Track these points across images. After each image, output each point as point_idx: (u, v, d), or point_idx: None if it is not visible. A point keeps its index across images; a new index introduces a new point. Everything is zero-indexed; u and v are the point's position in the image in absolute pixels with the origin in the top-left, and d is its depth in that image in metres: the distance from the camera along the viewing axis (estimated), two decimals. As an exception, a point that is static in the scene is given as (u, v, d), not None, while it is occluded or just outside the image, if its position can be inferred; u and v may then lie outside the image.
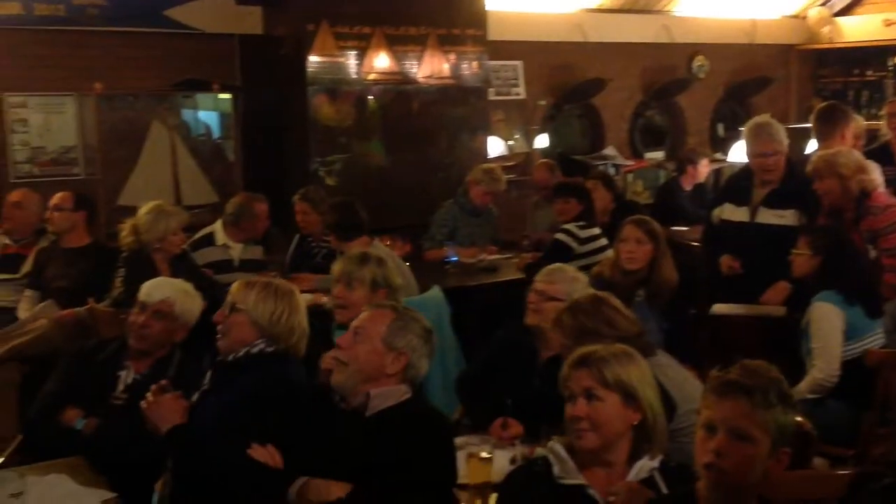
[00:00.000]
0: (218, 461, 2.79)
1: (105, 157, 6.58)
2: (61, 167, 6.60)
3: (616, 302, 3.28)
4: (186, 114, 7.33)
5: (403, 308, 2.89)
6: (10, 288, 5.48)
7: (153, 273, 4.61)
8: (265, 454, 2.71)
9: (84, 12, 6.45)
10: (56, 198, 5.47)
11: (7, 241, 5.65)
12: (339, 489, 2.56)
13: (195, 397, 3.08)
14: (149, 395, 2.99)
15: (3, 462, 3.29)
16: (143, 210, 5.20)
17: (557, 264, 3.93)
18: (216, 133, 7.50)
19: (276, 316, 3.08)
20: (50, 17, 6.36)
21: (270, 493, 2.64)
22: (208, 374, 3.13)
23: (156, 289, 3.64)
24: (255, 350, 3.07)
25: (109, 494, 2.72)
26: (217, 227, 5.76)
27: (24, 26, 6.30)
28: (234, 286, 3.16)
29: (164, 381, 3.05)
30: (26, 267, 5.52)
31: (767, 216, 4.89)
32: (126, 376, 3.55)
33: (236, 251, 5.73)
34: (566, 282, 3.70)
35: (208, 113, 7.47)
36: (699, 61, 9.62)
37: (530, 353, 3.64)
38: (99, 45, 6.58)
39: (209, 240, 5.72)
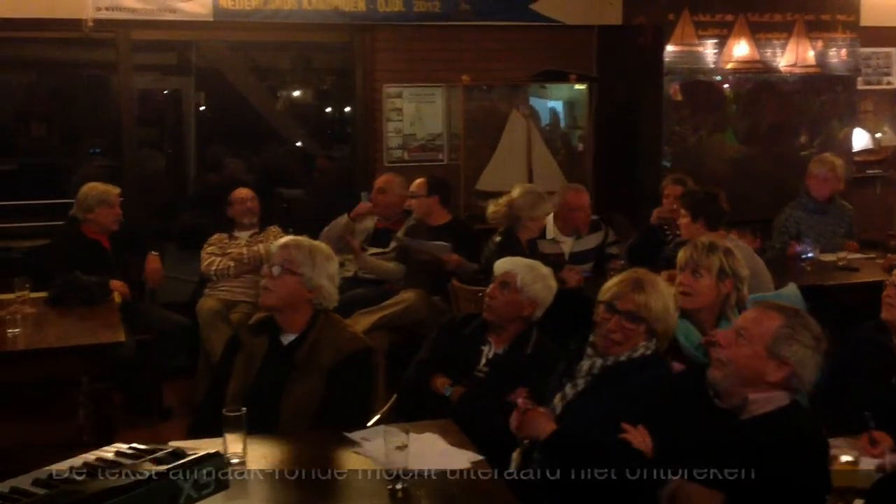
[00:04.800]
0: (595, 458, 2.77)
1: (465, 144, 6.98)
2: (428, 153, 7.08)
3: None
4: (541, 103, 7.56)
5: (794, 311, 2.71)
6: (380, 261, 6.00)
7: (520, 252, 4.83)
8: (637, 436, 2.71)
9: (457, 8, 6.87)
10: (412, 185, 5.97)
11: (378, 218, 6.21)
12: (712, 499, 2.52)
13: (569, 395, 3.13)
14: (516, 414, 3.01)
15: (378, 419, 3.60)
16: (519, 191, 5.48)
17: None
18: (568, 122, 7.68)
19: (671, 314, 3.15)
20: (426, 14, 6.83)
21: (641, 484, 2.62)
22: (584, 369, 3.14)
23: (502, 262, 3.88)
24: (637, 354, 3.10)
25: (478, 457, 2.87)
26: (549, 219, 5.81)
27: (403, 22, 6.82)
28: (618, 287, 3.16)
29: (521, 401, 3.03)
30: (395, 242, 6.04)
31: None
32: (488, 351, 3.78)
33: (567, 244, 5.78)
34: None
35: (562, 103, 7.67)
36: None
37: (887, 351, 3.44)
38: (468, 38, 6.97)
39: (542, 232, 5.78)
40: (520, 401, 3.04)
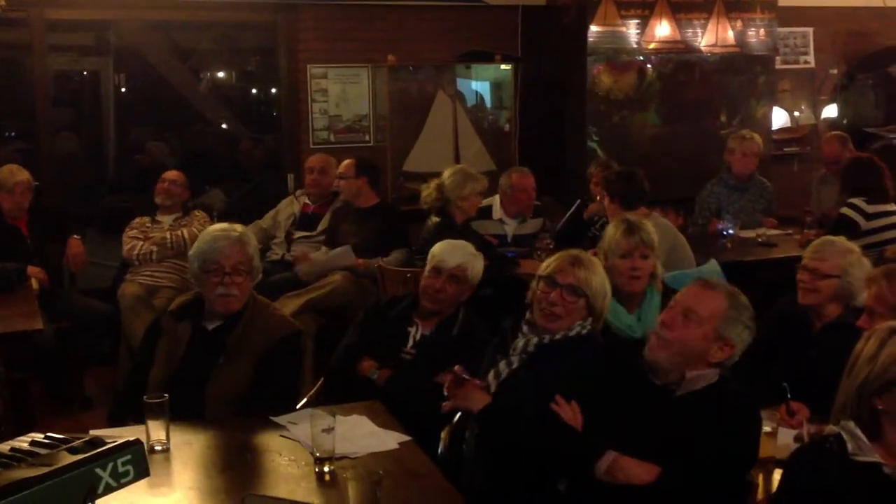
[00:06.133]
0: (527, 435, 2.74)
1: (391, 125, 6.94)
2: (354, 134, 7.01)
3: None
4: (467, 84, 7.55)
5: (733, 291, 2.72)
6: (308, 244, 5.95)
7: (457, 233, 4.83)
8: (568, 411, 2.68)
9: (388, -13, 6.80)
10: (341, 167, 5.93)
11: (307, 201, 6.16)
12: (648, 472, 2.51)
13: (504, 372, 3.09)
14: (450, 378, 2.99)
15: (304, 403, 3.58)
16: (448, 172, 5.48)
17: (826, 237, 3.73)
18: (494, 103, 7.69)
19: (608, 294, 3.16)
20: (351, -8, 6.75)
21: (575, 462, 2.62)
22: (519, 347, 3.11)
23: (450, 255, 3.76)
24: (573, 333, 3.07)
25: (405, 437, 2.89)
26: (495, 200, 5.87)
27: (327, 1, 6.73)
28: (558, 263, 3.14)
29: (457, 368, 3.00)
30: (323, 224, 6.00)
31: None
32: (415, 332, 3.76)
33: (511, 227, 5.83)
34: (838, 255, 3.48)
35: (488, 83, 7.67)
36: None
37: (804, 325, 3.50)
38: (393, 18, 6.91)
39: (487, 212, 5.82)
40: (457, 367, 3.00)
